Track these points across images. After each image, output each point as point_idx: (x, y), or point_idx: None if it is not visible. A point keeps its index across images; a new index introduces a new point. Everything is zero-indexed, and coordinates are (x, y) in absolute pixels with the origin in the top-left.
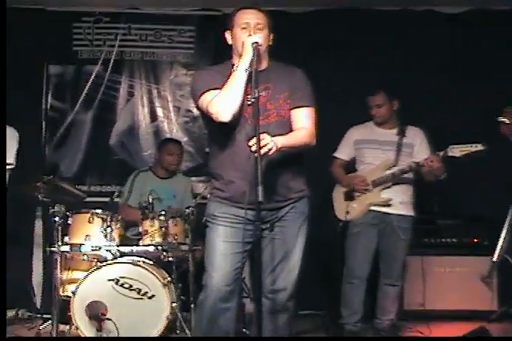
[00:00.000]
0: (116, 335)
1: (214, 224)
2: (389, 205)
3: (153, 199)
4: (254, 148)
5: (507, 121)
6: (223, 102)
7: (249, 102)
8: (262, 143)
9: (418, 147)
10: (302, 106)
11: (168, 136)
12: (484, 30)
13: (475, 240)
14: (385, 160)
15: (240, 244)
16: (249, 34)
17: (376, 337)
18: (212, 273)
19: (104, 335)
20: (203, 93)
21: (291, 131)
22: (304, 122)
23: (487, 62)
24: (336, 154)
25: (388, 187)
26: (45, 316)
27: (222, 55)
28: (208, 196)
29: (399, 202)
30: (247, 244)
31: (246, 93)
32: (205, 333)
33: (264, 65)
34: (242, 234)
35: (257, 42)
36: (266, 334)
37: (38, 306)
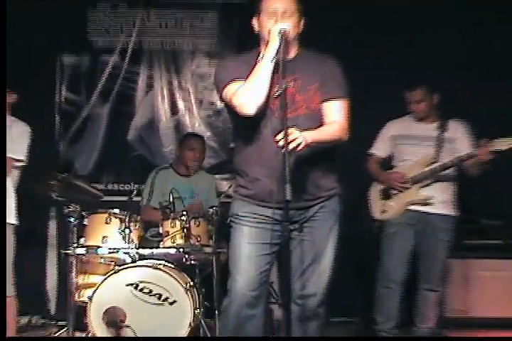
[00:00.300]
0: None
1: (238, 224)
2: (428, 204)
3: (173, 198)
4: (281, 143)
5: None
6: (248, 94)
7: (276, 94)
8: (290, 137)
9: (460, 141)
10: (334, 99)
11: (189, 130)
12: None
13: None
14: (424, 156)
15: (266, 245)
16: (276, 21)
17: (377, 337)
18: (237, 276)
19: None
20: (227, 84)
21: (321, 124)
22: (335, 115)
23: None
24: (372, 151)
25: (428, 185)
26: (60, 323)
27: (246, 43)
28: (232, 194)
29: (439, 200)
30: (274, 246)
31: (273, 84)
32: None
33: (292, 53)
34: (269, 234)
35: (284, 30)
36: None
37: (53, 312)
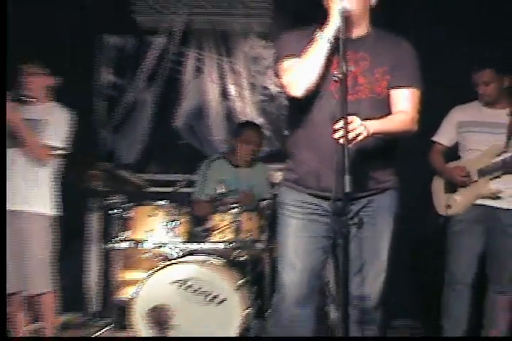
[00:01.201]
0: None
1: (283, 215)
2: (498, 198)
3: (225, 190)
4: (339, 134)
5: None
6: (297, 73)
7: (335, 78)
8: (350, 127)
9: None
10: (404, 87)
11: (241, 117)
12: None
13: None
14: (493, 145)
15: (315, 238)
16: None
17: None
18: (283, 273)
19: None
20: (283, 59)
21: (387, 114)
22: (404, 105)
23: None
24: (436, 138)
25: (498, 177)
26: (101, 322)
27: (303, 22)
28: (280, 180)
29: (510, 194)
30: (325, 239)
31: (331, 65)
32: None
33: (361, 31)
34: (319, 227)
35: (345, 9)
36: None
37: (94, 310)
